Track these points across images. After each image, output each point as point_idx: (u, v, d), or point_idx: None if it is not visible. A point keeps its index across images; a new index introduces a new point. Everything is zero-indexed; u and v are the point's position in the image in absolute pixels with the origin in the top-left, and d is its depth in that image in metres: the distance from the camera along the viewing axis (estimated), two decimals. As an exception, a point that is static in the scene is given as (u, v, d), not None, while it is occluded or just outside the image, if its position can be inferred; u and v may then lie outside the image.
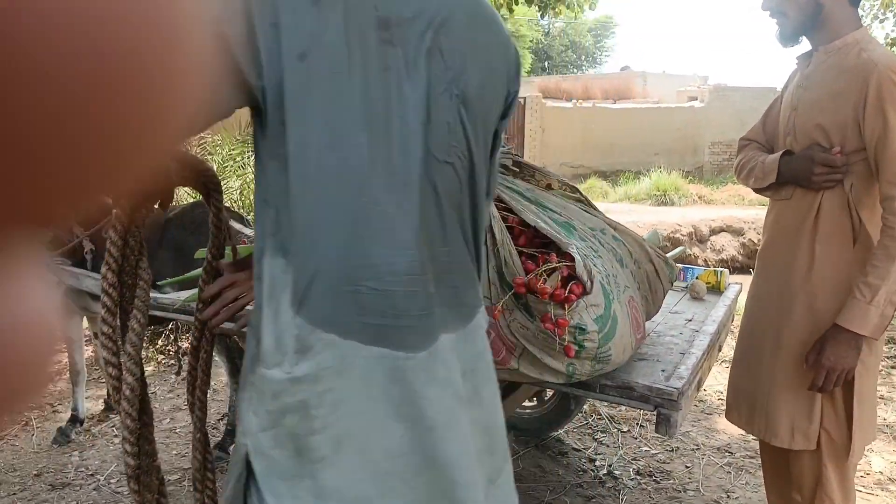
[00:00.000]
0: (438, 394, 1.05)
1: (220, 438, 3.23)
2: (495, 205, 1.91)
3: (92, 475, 3.01)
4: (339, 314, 1.00)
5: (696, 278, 2.94)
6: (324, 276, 1.00)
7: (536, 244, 1.91)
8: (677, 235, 10.31)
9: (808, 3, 1.86)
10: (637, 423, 3.51)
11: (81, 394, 3.41)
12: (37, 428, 3.49)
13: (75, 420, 3.38)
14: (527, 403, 3.32)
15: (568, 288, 1.67)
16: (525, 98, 17.20)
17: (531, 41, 26.19)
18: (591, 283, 1.68)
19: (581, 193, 2.31)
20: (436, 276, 1.05)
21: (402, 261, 1.01)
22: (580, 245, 1.83)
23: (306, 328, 1.00)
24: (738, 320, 4.90)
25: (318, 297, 1.00)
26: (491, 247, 1.82)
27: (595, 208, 2.25)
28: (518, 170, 2.27)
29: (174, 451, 3.24)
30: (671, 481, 2.97)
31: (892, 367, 4.33)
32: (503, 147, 2.19)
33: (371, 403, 1.02)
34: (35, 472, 3.03)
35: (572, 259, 1.72)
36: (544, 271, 1.72)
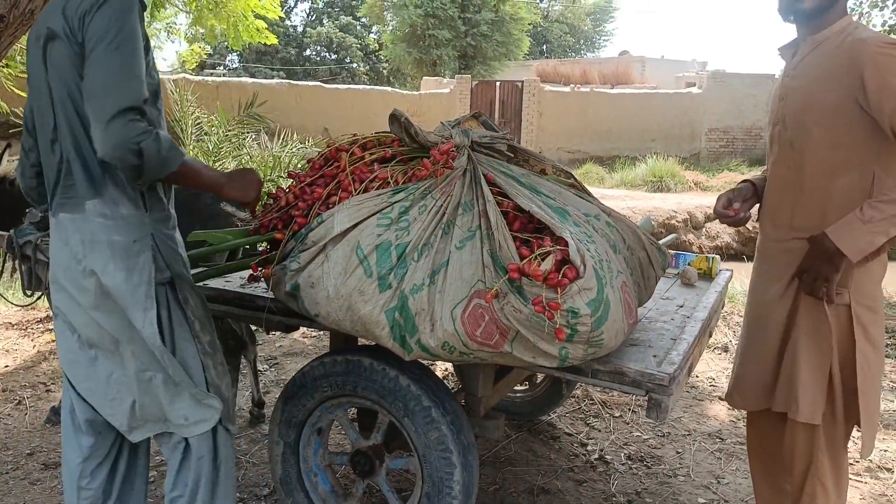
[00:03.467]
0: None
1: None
2: (490, 189, 1.91)
3: (85, 455, 3.01)
4: None
5: (688, 265, 2.95)
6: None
7: (530, 229, 1.91)
8: (672, 222, 10.32)
9: None
10: (629, 409, 3.53)
11: (74, 374, 3.40)
12: (30, 407, 3.49)
13: (68, 400, 3.38)
14: (518, 387, 3.33)
15: (561, 272, 1.67)
16: (522, 82, 17.12)
17: (530, 24, 25.99)
18: (585, 266, 1.68)
19: (575, 179, 2.30)
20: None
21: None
22: (574, 230, 1.82)
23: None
24: (729, 307, 4.93)
25: None
26: (485, 230, 1.82)
27: (589, 194, 2.25)
28: (513, 155, 2.27)
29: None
30: (662, 466, 2.99)
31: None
32: (499, 131, 2.20)
33: None
34: (28, 452, 3.03)
35: (566, 244, 1.72)
36: (538, 255, 1.72)
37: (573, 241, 1.72)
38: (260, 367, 3.91)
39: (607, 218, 2.10)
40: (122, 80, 1.61)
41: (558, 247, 1.74)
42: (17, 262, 3.08)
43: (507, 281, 1.70)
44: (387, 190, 1.94)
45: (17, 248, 2.97)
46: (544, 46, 35.43)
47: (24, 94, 8.44)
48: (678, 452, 3.12)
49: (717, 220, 2.36)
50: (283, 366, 4.14)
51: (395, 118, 2.09)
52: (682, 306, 2.48)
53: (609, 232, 2.04)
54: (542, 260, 1.72)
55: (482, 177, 1.95)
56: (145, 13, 1.80)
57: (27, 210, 3.12)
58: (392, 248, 1.81)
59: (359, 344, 2.37)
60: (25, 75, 8.52)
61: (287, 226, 2.06)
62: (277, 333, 4.23)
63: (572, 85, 18.98)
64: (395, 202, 1.89)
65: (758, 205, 2.17)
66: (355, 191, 1.98)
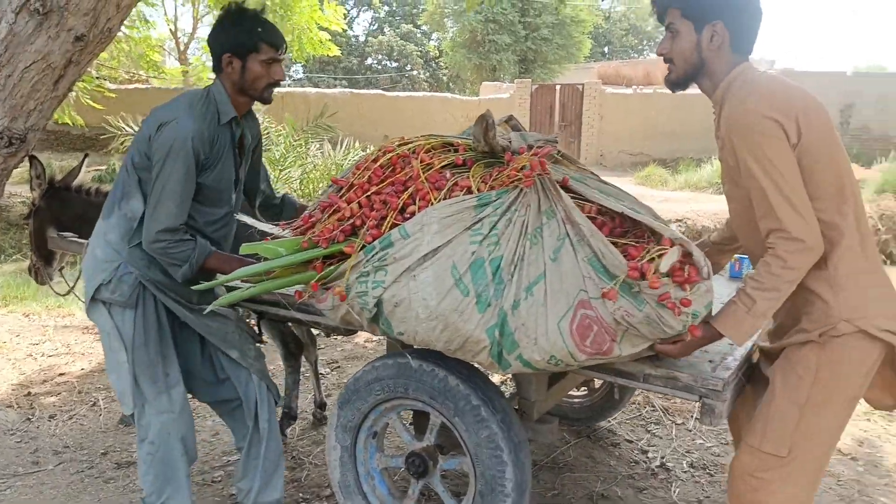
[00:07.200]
0: None
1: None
2: (570, 196, 1.83)
3: (155, 454, 3.12)
4: None
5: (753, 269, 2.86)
6: None
7: (617, 234, 1.84)
8: (740, 224, 9.99)
9: (692, 56, 1.87)
10: (691, 416, 3.45)
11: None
12: (104, 409, 3.65)
13: (140, 401, 3.52)
14: (576, 393, 3.30)
15: (686, 270, 1.63)
16: (583, 84, 16.95)
17: (592, 26, 25.72)
18: (707, 268, 1.65)
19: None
20: None
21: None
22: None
23: None
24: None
25: None
26: (574, 237, 1.73)
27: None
28: (561, 158, 2.21)
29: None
30: (726, 475, 2.90)
31: None
32: (549, 137, 2.15)
33: None
34: (102, 451, 3.17)
35: (671, 244, 1.69)
36: (654, 256, 1.66)
37: (690, 242, 1.69)
38: (322, 370, 3.99)
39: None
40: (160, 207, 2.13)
41: (674, 247, 1.67)
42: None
43: (623, 283, 1.64)
44: (468, 198, 1.84)
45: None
46: (606, 48, 35.02)
47: (98, 107, 8.94)
48: (743, 460, 3.03)
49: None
50: (345, 369, 4.21)
51: (483, 119, 2.02)
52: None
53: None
54: (655, 260, 1.65)
55: (555, 182, 1.83)
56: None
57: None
58: (486, 263, 1.76)
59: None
60: (100, 90, 8.97)
61: (349, 238, 1.95)
62: (339, 337, 4.31)
63: (634, 86, 18.70)
64: (485, 217, 1.80)
65: None
66: (434, 199, 1.89)
